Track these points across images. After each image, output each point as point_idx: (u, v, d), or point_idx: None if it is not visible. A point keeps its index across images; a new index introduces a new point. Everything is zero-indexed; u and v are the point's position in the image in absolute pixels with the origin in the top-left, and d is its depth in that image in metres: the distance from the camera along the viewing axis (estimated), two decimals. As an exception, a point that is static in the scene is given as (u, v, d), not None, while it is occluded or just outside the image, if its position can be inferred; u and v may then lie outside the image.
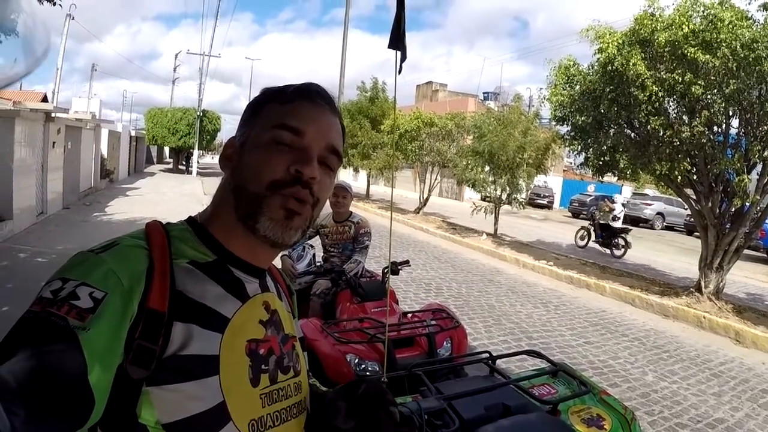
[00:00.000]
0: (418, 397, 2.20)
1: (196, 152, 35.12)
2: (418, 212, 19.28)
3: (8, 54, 0.52)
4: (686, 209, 15.93)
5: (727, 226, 8.16)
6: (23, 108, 9.85)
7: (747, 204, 7.73)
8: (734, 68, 6.94)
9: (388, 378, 2.45)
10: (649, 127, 8.00)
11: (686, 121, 7.88)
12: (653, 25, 7.57)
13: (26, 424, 0.58)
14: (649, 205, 26.16)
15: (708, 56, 6.99)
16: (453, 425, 1.92)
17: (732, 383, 5.46)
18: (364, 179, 27.22)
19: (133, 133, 32.13)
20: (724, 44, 6.91)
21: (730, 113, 7.82)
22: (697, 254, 8.80)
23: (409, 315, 4.06)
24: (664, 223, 25.88)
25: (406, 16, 2.04)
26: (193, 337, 0.77)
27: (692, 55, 7.05)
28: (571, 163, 35.30)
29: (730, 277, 9.00)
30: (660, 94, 7.66)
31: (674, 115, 8.24)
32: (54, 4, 6.75)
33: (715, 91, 7.38)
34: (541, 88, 10.03)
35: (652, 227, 25.58)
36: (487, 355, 2.67)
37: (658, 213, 25.83)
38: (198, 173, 33.79)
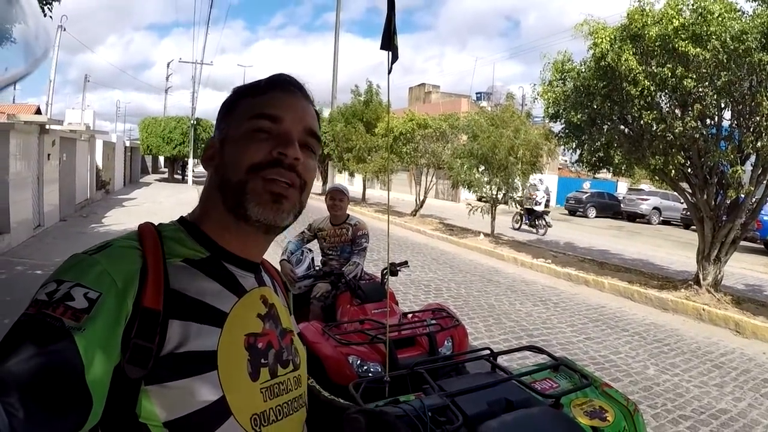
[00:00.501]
0: (421, 395, 2.21)
1: (191, 161, 35.05)
2: (415, 214, 19.29)
3: (10, 61, 0.53)
4: (682, 203, 16.00)
5: (723, 218, 8.18)
6: (17, 121, 9.85)
7: (742, 195, 7.76)
8: (725, 60, 6.97)
9: (391, 377, 2.46)
10: (642, 122, 8.01)
11: (679, 115, 7.90)
12: (644, 20, 7.60)
13: (25, 426, 0.58)
14: (645, 200, 26.24)
15: (698, 49, 7.02)
16: (457, 421, 1.93)
17: (733, 374, 5.48)
18: (360, 183, 27.22)
19: (127, 144, 32.08)
20: (713, 37, 6.94)
21: (722, 105, 7.84)
22: (694, 247, 8.82)
23: (410, 315, 4.06)
24: (661, 218, 25.95)
25: (396, 18, 2.06)
26: (191, 334, 0.78)
27: (683, 48, 7.08)
28: (566, 161, 35.37)
29: (728, 269, 9.02)
30: (652, 88, 7.68)
31: (667, 109, 8.26)
32: (45, 15, 6.76)
33: (707, 83, 7.40)
34: (534, 84, 10.01)
35: (648, 222, 25.68)
36: (488, 351, 2.68)
37: (655, 208, 25.89)
38: (194, 181, 33.73)
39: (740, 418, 4.38)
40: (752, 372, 5.57)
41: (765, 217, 14.71)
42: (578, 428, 2.00)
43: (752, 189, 7.67)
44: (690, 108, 7.56)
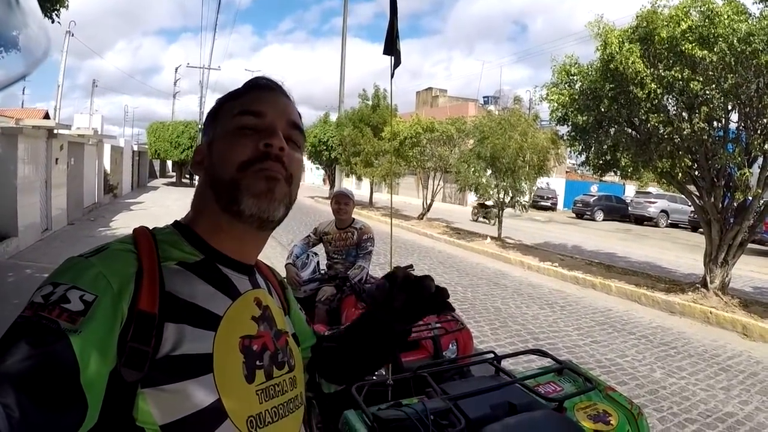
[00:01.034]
0: (424, 398, 2.21)
1: (199, 165, 35.14)
2: (422, 218, 19.29)
3: (11, 67, 0.54)
4: (690, 206, 15.93)
5: (731, 221, 8.14)
6: (26, 125, 9.92)
7: (749, 197, 7.72)
8: (732, 63, 6.95)
9: (394, 380, 2.47)
10: (649, 124, 8.00)
11: (686, 118, 7.88)
12: (654, 22, 7.58)
13: (21, 427, 0.59)
14: (653, 203, 26.16)
15: (705, 51, 7.00)
16: (459, 425, 1.93)
17: (741, 377, 5.45)
18: (368, 187, 27.23)
19: (135, 148, 32.24)
20: (720, 39, 6.92)
21: (729, 108, 7.82)
22: (702, 250, 8.78)
23: (414, 319, 4.06)
24: (669, 221, 25.87)
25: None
26: (186, 337, 0.78)
27: (690, 51, 7.06)
28: (573, 164, 35.31)
29: (735, 272, 8.98)
30: (659, 91, 7.67)
31: (674, 111, 8.24)
32: (53, 21, 6.80)
33: (714, 86, 7.37)
34: (536, 86, 10.00)
35: (656, 225, 25.59)
36: (492, 355, 2.68)
37: (662, 211, 25.81)
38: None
39: (747, 422, 4.35)
40: (759, 375, 5.53)
41: (773, 220, 14.63)
42: None
43: (760, 191, 7.63)
44: (697, 110, 7.54)
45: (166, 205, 20.20)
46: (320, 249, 4.70)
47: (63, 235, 11.64)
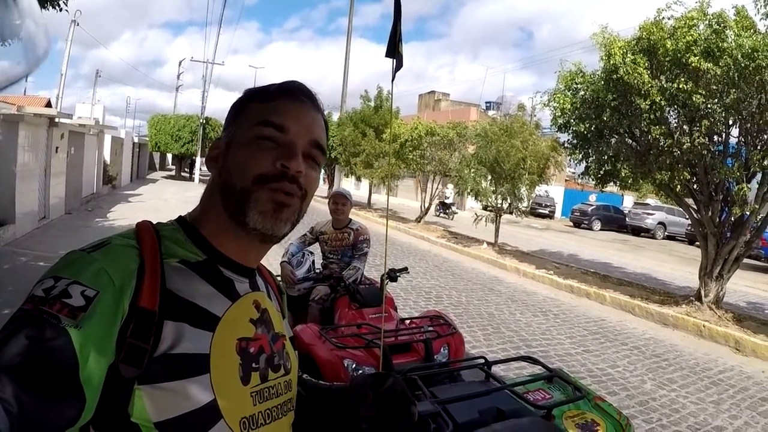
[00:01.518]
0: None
1: (198, 159, 35.15)
2: (420, 221, 19.29)
3: (12, 58, 0.54)
4: (687, 219, 15.99)
5: (727, 235, 8.16)
6: (27, 113, 9.91)
7: (747, 213, 7.74)
8: (735, 77, 6.97)
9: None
10: (650, 136, 8.02)
11: (687, 131, 7.90)
12: (656, 34, 7.60)
13: (18, 421, 0.59)
14: (651, 214, 26.22)
15: (710, 65, 7.02)
16: (447, 429, 1.93)
17: (731, 391, 5.45)
18: (367, 188, 27.23)
19: (136, 140, 32.21)
20: (726, 53, 6.94)
21: (730, 122, 7.85)
22: (698, 263, 8.80)
23: (407, 321, 4.07)
24: (666, 233, 25.90)
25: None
26: (184, 336, 0.78)
27: (695, 63, 7.07)
28: (573, 172, 35.35)
29: (730, 286, 9.00)
30: (662, 103, 7.69)
31: (675, 124, 8.26)
32: (60, 9, 6.79)
33: (716, 100, 7.39)
34: (537, 92, 10.04)
35: (653, 237, 25.61)
36: (483, 360, 2.69)
37: (660, 222, 25.86)
38: (200, 180, 33.83)
39: (736, 437, 4.37)
40: (750, 390, 5.54)
41: (770, 236, 14.66)
42: (568, 440, 2.00)
43: (757, 207, 7.64)
44: (698, 124, 7.56)
45: (165, 198, 20.20)
46: (316, 248, 4.70)
47: (60, 224, 11.64)
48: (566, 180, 37.44)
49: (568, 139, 10.20)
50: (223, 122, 0.98)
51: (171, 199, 19.93)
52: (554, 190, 33.20)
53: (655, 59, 7.77)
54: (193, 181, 34.57)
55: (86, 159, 15.92)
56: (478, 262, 12.82)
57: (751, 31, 7.20)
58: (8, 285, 6.23)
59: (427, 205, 19.71)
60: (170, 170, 48.72)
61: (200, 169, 35.60)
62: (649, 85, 7.63)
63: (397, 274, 4.44)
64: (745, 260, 9.03)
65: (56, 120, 11.57)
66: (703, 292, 8.31)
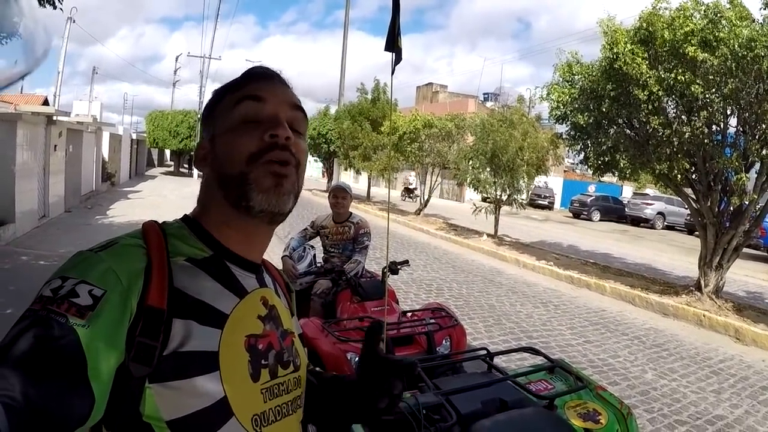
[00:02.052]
0: (416, 392, 2.23)
1: (197, 155, 35.09)
2: (419, 214, 19.30)
3: (10, 56, 0.55)
4: (687, 209, 16.02)
5: (726, 225, 8.17)
6: (25, 111, 9.90)
7: (746, 202, 7.76)
8: (733, 67, 6.96)
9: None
10: (648, 126, 8.02)
11: (685, 121, 7.90)
12: (655, 24, 7.58)
13: (27, 421, 0.59)
14: (650, 204, 26.19)
15: (707, 54, 7.01)
16: (450, 419, 1.95)
17: (731, 380, 5.48)
18: (365, 181, 27.24)
19: (134, 136, 32.18)
20: (722, 43, 6.93)
21: (729, 112, 7.84)
22: (697, 253, 8.81)
23: (409, 314, 4.09)
24: (665, 223, 25.90)
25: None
26: (193, 334, 0.78)
27: (692, 53, 7.07)
28: (572, 163, 35.34)
29: (730, 276, 9.02)
30: (660, 93, 7.68)
31: (673, 114, 8.26)
32: (55, 7, 6.77)
33: (714, 90, 7.38)
34: (536, 87, 10.03)
35: (653, 227, 25.62)
36: (485, 351, 2.70)
37: (659, 213, 25.85)
38: (199, 176, 33.75)
39: (736, 425, 4.39)
40: (750, 379, 5.57)
41: (769, 225, 14.69)
42: (570, 430, 2.02)
43: (756, 197, 7.66)
44: (696, 114, 7.56)
45: (164, 194, 20.19)
46: (317, 242, 4.71)
47: (60, 222, 11.64)
48: (565, 171, 37.45)
49: (567, 131, 10.20)
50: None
51: (170, 195, 19.92)
52: (553, 181, 33.21)
53: (653, 49, 7.76)
54: (192, 176, 34.51)
55: (85, 156, 15.91)
56: (478, 254, 12.84)
57: (749, 20, 7.19)
58: (9, 284, 6.23)
59: (426, 197, 19.69)
60: (169, 166, 48.71)
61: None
62: (648, 75, 7.63)
63: (399, 266, 4.45)
64: (745, 250, 9.04)
65: (54, 118, 11.56)
66: (702, 282, 8.33)
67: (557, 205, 35.05)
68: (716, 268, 8.24)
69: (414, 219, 18.31)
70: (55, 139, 11.92)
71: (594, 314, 7.85)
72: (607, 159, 9.40)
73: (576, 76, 9.24)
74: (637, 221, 26.44)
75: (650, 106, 7.86)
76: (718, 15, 7.08)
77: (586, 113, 8.91)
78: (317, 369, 1.17)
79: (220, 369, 0.79)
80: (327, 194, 4.63)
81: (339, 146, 24.48)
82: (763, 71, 6.77)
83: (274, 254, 7.29)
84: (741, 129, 7.83)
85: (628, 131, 9.02)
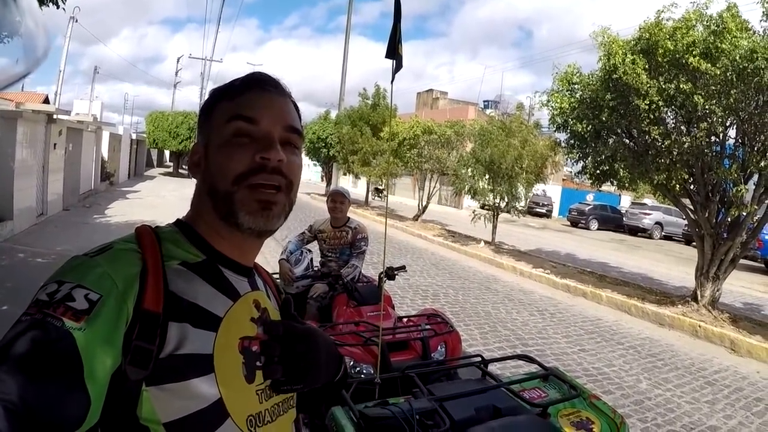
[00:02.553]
0: (410, 398, 2.24)
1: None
2: (417, 219, 19.31)
3: (11, 55, 0.55)
4: (684, 219, 16.07)
5: (724, 236, 8.18)
6: (25, 109, 9.90)
7: (743, 214, 7.77)
8: (734, 79, 6.98)
9: (382, 380, 2.49)
10: (647, 136, 8.04)
11: (684, 131, 7.92)
12: (657, 35, 7.61)
13: (24, 425, 0.60)
14: (648, 214, 26.22)
15: (708, 65, 7.03)
16: (444, 425, 1.95)
17: (726, 391, 5.48)
18: (365, 186, 27.26)
19: (134, 136, 32.18)
20: (724, 54, 6.96)
21: (728, 123, 7.87)
22: (694, 264, 8.81)
23: (405, 319, 4.09)
24: (663, 233, 25.93)
25: (404, 24, 2.09)
26: (188, 337, 0.79)
27: (694, 64, 7.08)
28: (570, 171, 35.42)
29: (727, 287, 9.03)
30: (660, 103, 7.70)
31: (672, 124, 8.28)
32: (58, 6, 6.78)
33: (714, 101, 7.40)
34: (536, 92, 10.07)
35: (650, 236, 25.65)
36: (480, 358, 2.71)
37: (657, 222, 25.88)
38: (197, 177, 33.70)
39: (730, 436, 4.39)
40: (745, 390, 5.57)
41: (766, 236, 14.71)
42: (563, 438, 2.03)
43: (755, 208, 7.67)
44: (696, 125, 7.58)
45: (162, 195, 20.18)
46: (314, 246, 4.72)
47: (58, 220, 11.63)
48: (563, 179, 37.49)
49: (566, 139, 10.22)
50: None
51: (169, 195, 19.90)
52: (552, 189, 33.29)
53: (654, 60, 7.78)
54: (191, 178, 34.47)
55: (84, 155, 15.91)
56: (475, 261, 12.84)
57: (750, 32, 7.22)
58: (6, 281, 6.23)
59: (425, 203, 19.70)
60: (168, 167, 48.60)
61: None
62: (648, 85, 7.65)
63: (395, 272, 4.45)
64: (742, 261, 9.06)
65: (54, 116, 11.56)
66: (699, 293, 8.34)
67: (555, 213, 35.10)
68: (713, 279, 8.25)
69: (412, 225, 18.32)
70: (55, 138, 11.92)
71: (590, 323, 7.86)
72: (605, 168, 9.42)
73: (575, 86, 9.27)
74: (635, 231, 26.47)
75: (650, 116, 7.88)
76: (721, 27, 7.11)
77: (586, 122, 8.93)
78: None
79: (215, 371, 0.80)
80: (325, 198, 4.64)
81: (338, 151, 24.49)
82: (764, 83, 6.79)
83: (271, 257, 7.31)
84: (740, 140, 7.85)
85: (627, 141, 9.04)
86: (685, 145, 7.65)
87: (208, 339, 0.81)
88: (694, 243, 9.09)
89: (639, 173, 8.85)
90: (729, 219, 8.09)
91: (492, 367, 2.60)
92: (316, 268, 4.73)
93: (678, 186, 8.28)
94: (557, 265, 12.29)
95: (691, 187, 8.47)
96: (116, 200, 16.72)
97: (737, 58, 6.84)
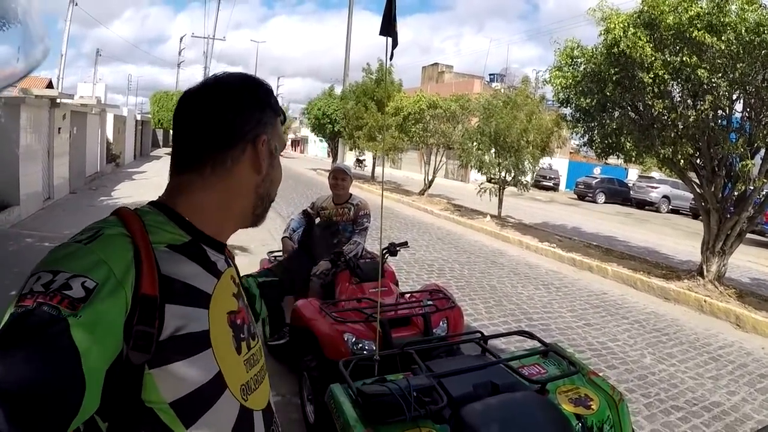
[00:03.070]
0: (409, 374, 2.26)
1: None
2: (423, 194, 19.28)
3: (12, 42, 0.55)
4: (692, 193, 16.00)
5: (730, 211, 8.13)
6: (28, 94, 9.89)
7: (750, 188, 7.72)
8: (740, 52, 6.88)
9: (381, 356, 2.51)
10: (653, 110, 7.96)
11: (690, 105, 7.84)
12: (661, 8, 7.49)
13: (21, 412, 0.61)
14: (655, 188, 26.07)
15: (714, 39, 6.93)
16: (441, 402, 1.97)
17: (730, 367, 5.48)
18: (370, 160, 27.22)
19: (138, 117, 32.15)
20: (729, 28, 6.85)
21: (734, 97, 7.77)
22: (701, 238, 8.78)
23: (407, 295, 4.11)
24: (670, 207, 25.79)
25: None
26: (185, 316, 0.81)
27: (699, 37, 6.98)
28: (577, 144, 35.18)
29: (733, 262, 9.01)
30: (666, 77, 7.61)
31: (678, 98, 8.19)
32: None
33: (720, 75, 7.30)
34: (538, 71, 10.01)
35: (657, 210, 25.53)
36: (480, 334, 2.72)
37: (664, 196, 25.73)
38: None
39: (732, 412, 4.40)
40: (749, 366, 5.57)
41: (773, 211, 14.61)
42: (561, 415, 2.04)
43: (763, 182, 7.60)
44: (701, 98, 7.50)
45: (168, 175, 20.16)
46: (317, 224, 4.72)
47: (64, 204, 11.67)
48: (571, 152, 37.28)
49: (570, 113, 10.14)
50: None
51: (175, 175, 19.85)
52: (558, 163, 33.12)
53: (658, 33, 7.67)
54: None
55: (89, 138, 15.88)
56: (481, 235, 12.84)
57: (757, 5, 7.09)
58: (14, 266, 6.27)
59: (430, 177, 19.64)
60: (174, 147, 48.63)
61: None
62: (652, 58, 7.55)
63: (397, 248, 4.47)
64: (749, 236, 9.01)
65: (58, 101, 11.52)
66: (705, 267, 8.32)
67: (562, 186, 34.96)
68: (719, 254, 8.22)
69: (418, 199, 18.33)
70: (59, 122, 11.90)
71: (595, 297, 7.87)
72: (611, 141, 9.35)
73: (578, 59, 9.16)
74: (642, 204, 26.33)
75: (655, 89, 7.79)
76: (723, 1, 6.99)
77: (590, 96, 8.86)
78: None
79: (212, 346, 0.84)
80: (328, 175, 4.63)
81: (344, 126, 24.41)
82: (772, 56, 6.69)
83: (277, 234, 7.32)
84: (747, 115, 7.77)
85: (632, 114, 8.95)
86: (691, 119, 7.57)
87: (202, 316, 0.85)
88: (701, 217, 9.04)
89: (645, 147, 8.78)
90: (735, 193, 8.03)
91: (494, 343, 2.61)
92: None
93: (683, 160, 8.21)
94: (563, 239, 12.27)
95: (697, 161, 8.41)
96: (123, 182, 16.76)
97: (743, 31, 6.73)
